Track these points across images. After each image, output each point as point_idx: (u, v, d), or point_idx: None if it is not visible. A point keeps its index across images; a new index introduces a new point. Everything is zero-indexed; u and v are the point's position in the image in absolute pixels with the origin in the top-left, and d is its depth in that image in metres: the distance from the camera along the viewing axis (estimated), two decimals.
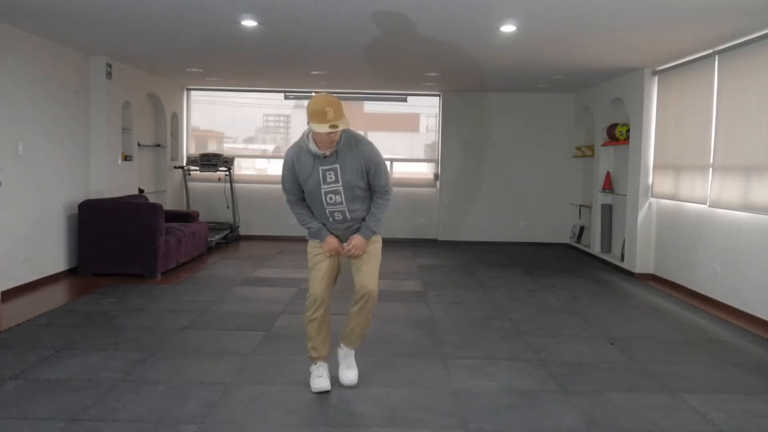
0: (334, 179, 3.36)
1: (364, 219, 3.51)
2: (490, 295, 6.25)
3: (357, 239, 3.48)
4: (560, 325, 5.13)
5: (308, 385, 3.61)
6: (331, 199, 3.39)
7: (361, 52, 6.63)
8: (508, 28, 5.41)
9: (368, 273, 3.52)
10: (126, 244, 6.66)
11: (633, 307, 5.86)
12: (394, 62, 7.30)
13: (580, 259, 8.72)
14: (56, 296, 5.90)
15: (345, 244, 3.52)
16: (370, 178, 3.44)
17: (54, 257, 6.60)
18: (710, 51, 6.06)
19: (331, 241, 3.49)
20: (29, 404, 3.30)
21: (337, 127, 3.19)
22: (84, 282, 6.48)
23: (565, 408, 3.41)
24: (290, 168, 3.42)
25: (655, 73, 7.22)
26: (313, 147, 3.33)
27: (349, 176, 3.37)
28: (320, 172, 3.36)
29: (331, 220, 3.46)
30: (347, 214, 3.44)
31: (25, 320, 4.94)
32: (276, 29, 5.68)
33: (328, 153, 3.33)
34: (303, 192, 3.47)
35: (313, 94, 10.00)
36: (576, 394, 3.61)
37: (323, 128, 3.18)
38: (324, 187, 3.37)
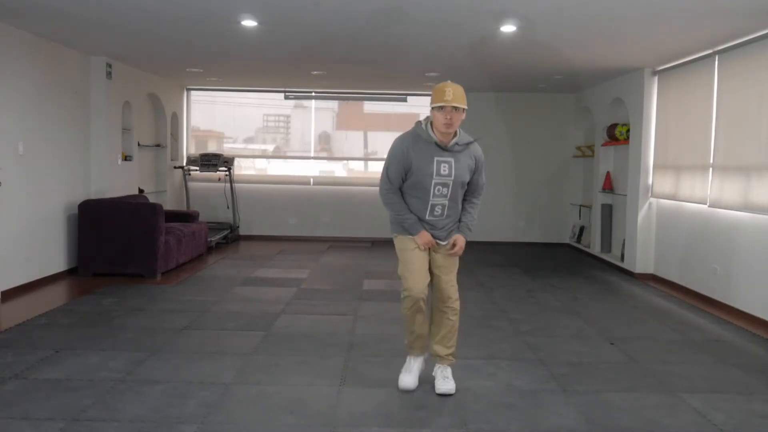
0: (448, 172, 3.38)
1: (453, 222, 3.52)
2: (490, 295, 6.25)
3: (461, 239, 3.53)
4: (560, 325, 5.13)
5: (308, 385, 3.62)
6: (438, 191, 3.40)
7: (361, 51, 6.63)
8: (508, 28, 5.41)
9: (452, 281, 3.55)
10: (126, 244, 6.66)
11: (633, 307, 5.86)
12: (394, 62, 7.30)
13: (580, 259, 8.72)
14: (56, 296, 5.89)
15: (442, 242, 3.51)
16: (475, 176, 3.51)
17: (54, 257, 6.60)
18: (710, 51, 6.06)
19: (426, 234, 3.47)
20: (29, 404, 3.30)
21: (453, 107, 3.27)
22: (84, 282, 6.48)
23: (565, 408, 3.41)
24: (403, 155, 3.41)
25: (655, 73, 7.22)
26: (433, 136, 3.39)
27: (461, 172, 3.42)
28: (435, 162, 3.38)
29: (428, 214, 3.45)
30: (446, 209, 3.45)
31: (25, 320, 4.93)
32: (276, 29, 5.68)
33: (447, 140, 3.38)
34: (403, 183, 3.46)
35: (312, 93, 10.10)
36: (576, 394, 3.61)
37: (439, 103, 3.28)
38: (436, 179, 3.38)
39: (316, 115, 10.56)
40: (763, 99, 5.24)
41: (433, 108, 3.33)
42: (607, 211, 8.59)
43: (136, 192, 8.25)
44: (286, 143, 10.82)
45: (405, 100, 10.21)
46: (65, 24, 5.63)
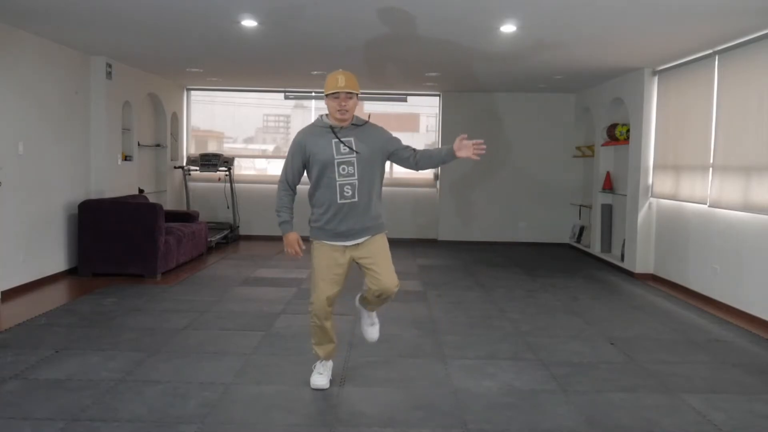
0: (348, 150, 3.38)
1: (370, 213, 3.43)
2: (490, 295, 6.25)
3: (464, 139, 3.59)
4: (560, 325, 5.13)
5: (308, 385, 3.62)
6: (343, 170, 3.38)
7: (361, 52, 6.63)
8: (508, 28, 5.41)
9: (387, 272, 3.48)
10: (126, 244, 6.66)
11: (633, 307, 5.86)
12: (394, 62, 7.30)
13: (580, 259, 8.72)
14: (56, 296, 5.89)
15: (360, 239, 3.45)
16: (397, 149, 3.53)
17: (54, 257, 6.60)
18: (710, 51, 6.06)
19: (291, 237, 3.48)
20: (29, 404, 3.30)
21: (347, 93, 3.30)
22: (84, 282, 6.48)
23: (565, 408, 3.41)
24: (298, 145, 3.44)
25: (655, 73, 7.22)
26: (329, 121, 3.42)
27: (366, 148, 3.40)
28: (334, 144, 3.38)
29: (339, 197, 3.38)
30: (356, 189, 3.38)
31: (25, 320, 4.93)
32: (276, 29, 5.68)
33: (344, 124, 3.39)
34: (298, 180, 3.49)
35: (312, 93, 10.10)
36: (576, 394, 3.61)
37: (332, 90, 3.31)
38: (338, 158, 3.37)
39: (316, 115, 10.51)
40: (763, 99, 5.24)
41: (327, 96, 3.35)
42: (607, 211, 8.59)
43: (136, 192, 8.25)
44: (286, 143, 10.81)
45: (405, 100, 10.22)
46: (65, 24, 5.63)
